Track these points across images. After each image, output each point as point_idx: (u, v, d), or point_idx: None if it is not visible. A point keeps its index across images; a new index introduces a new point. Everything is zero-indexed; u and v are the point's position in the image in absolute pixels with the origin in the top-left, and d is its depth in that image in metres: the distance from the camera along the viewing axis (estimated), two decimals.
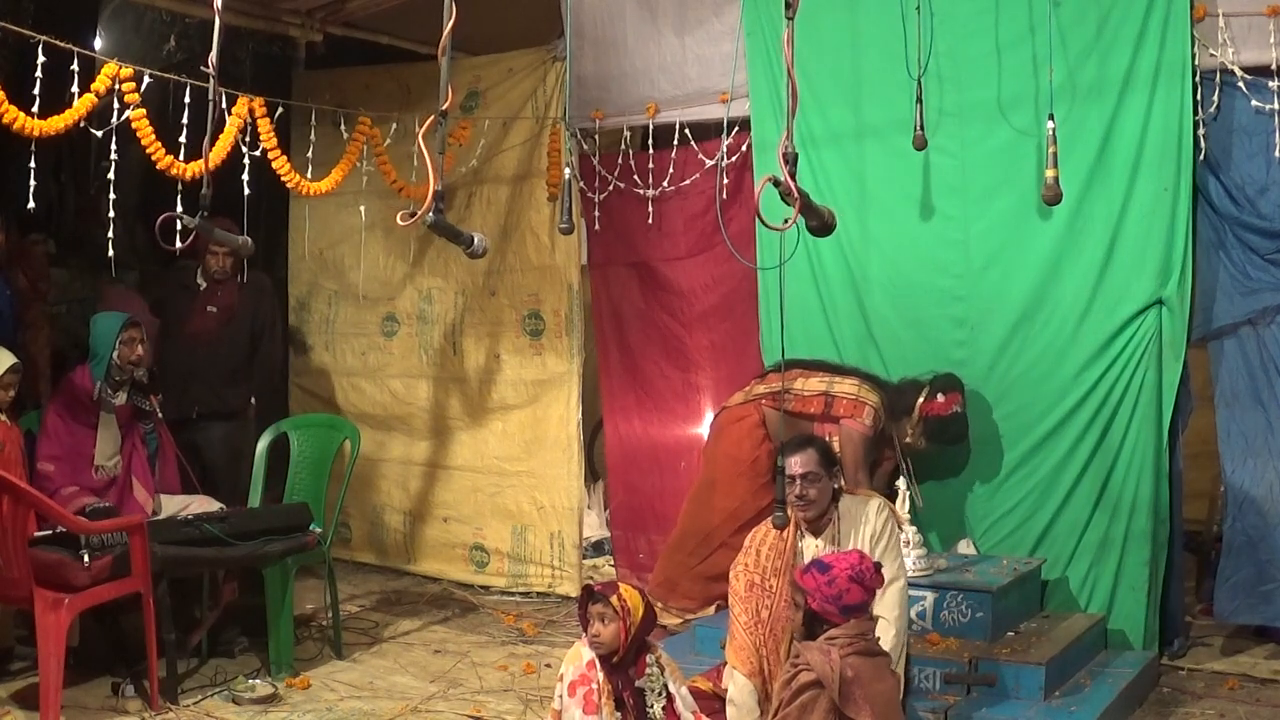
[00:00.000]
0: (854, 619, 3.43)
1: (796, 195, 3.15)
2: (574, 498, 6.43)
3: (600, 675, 3.57)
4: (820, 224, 3.37)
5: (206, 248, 5.72)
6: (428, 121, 3.35)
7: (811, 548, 3.99)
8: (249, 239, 4.33)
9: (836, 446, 5.11)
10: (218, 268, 5.91)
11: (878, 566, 3.52)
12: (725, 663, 4.04)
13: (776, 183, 3.19)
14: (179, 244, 4.20)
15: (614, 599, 3.55)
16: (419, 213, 3.30)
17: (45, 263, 6.41)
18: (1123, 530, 5.04)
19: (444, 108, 3.29)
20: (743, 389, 5.55)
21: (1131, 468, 5.03)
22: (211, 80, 3.89)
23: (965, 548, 5.32)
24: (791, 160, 3.19)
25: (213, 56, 3.88)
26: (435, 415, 6.93)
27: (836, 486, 4.06)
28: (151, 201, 5.74)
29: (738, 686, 3.88)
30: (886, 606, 3.97)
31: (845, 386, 5.21)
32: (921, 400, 5.19)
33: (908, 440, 5.24)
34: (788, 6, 3.23)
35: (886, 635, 3.90)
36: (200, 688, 4.88)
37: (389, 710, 4.67)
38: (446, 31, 3.26)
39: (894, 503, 4.86)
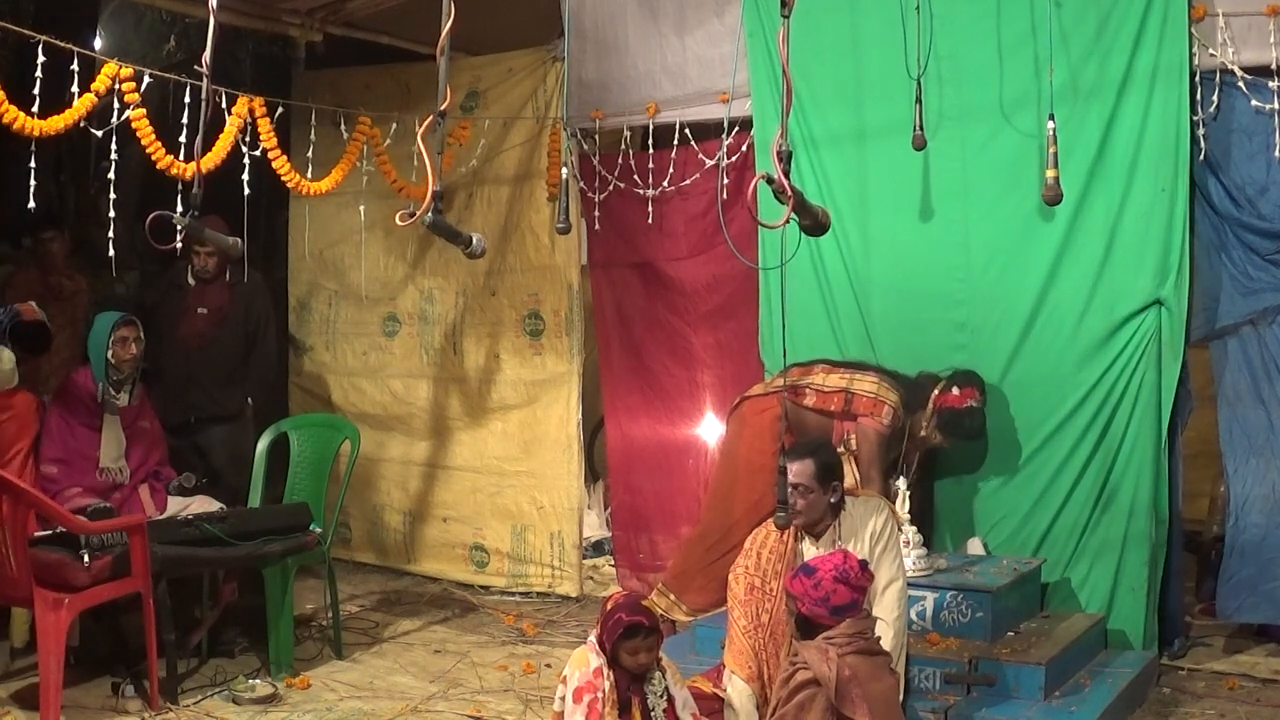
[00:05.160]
0: (848, 618, 3.43)
1: (789, 193, 3.15)
2: (574, 498, 6.43)
3: (607, 684, 3.54)
4: (814, 222, 3.36)
5: (191, 247, 5.71)
6: (426, 121, 3.35)
7: (811, 551, 3.99)
8: (238, 240, 4.32)
9: (854, 444, 5.12)
10: (201, 267, 5.91)
11: (863, 564, 3.52)
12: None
13: (770, 180, 3.19)
14: (172, 244, 4.19)
15: (660, 627, 3.61)
16: (418, 213, 3.30)
17: (63, 260, 6.40)
18: (1122, 530, 5.04)
19: (443, 108, 3.29)
20: (763, 381, 5.55)
21: (1130, 468, 5.03)
22: (205, 81, 3.89)
23: (975, 547, 5.30)
24: (785, 158, 3.19)
25: (206, 56, 3.87)
26: (435, 415, 6.93)
27: (833, 500, 4.04)
28: (151, 201, 5.74)
29: (736, 691, 3.87)
30: (885, 608, 3.98)
31: (865, 385, 5.19)
32: (936, 393, 5.17)
33: (923, 434, 5.21)
34: (783, 5, 3.23)
35: (885, 636, 3.90)
36: (200, 688, 4.88)
37: (389, 710, 4.67)
38: (445, 31, 3.26)
39: (894, 502, 4.87)
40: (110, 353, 5.15)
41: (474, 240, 3.58)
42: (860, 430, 5.14)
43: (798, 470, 3.95)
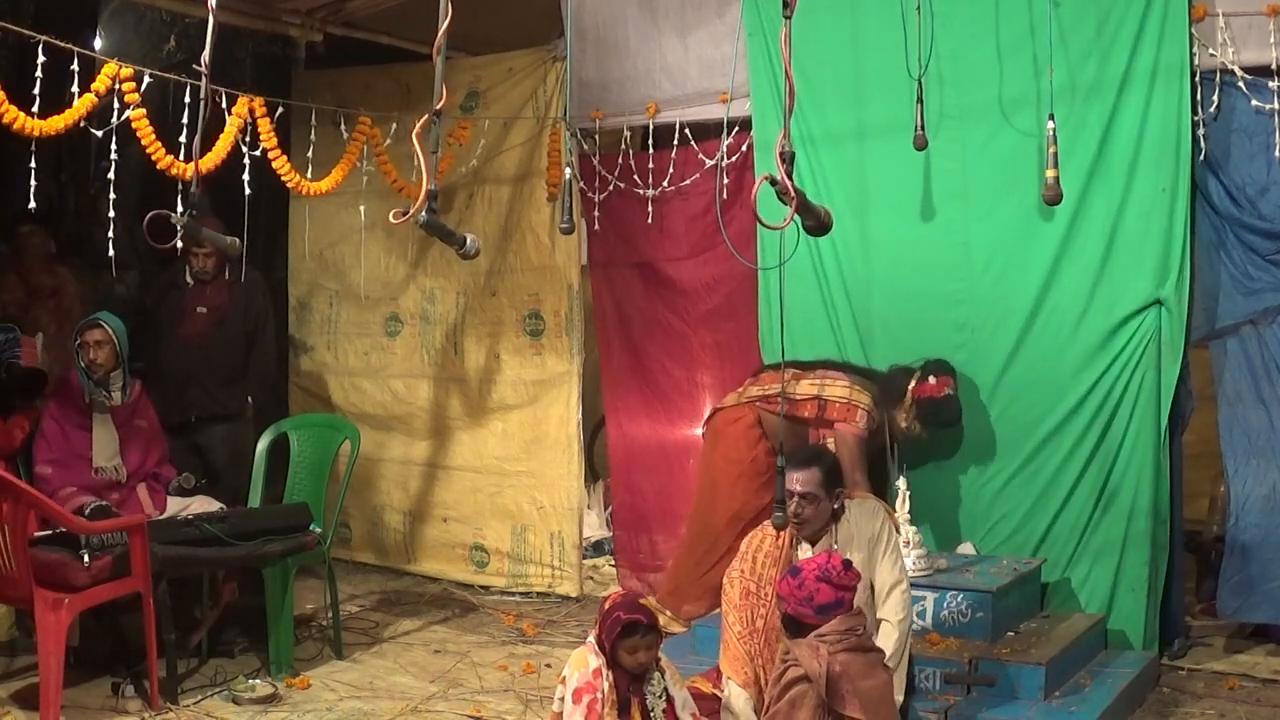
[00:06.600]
0: (837, 616, 3.44)
1: (793, 194, 3.15)
2: (574, 498, 6.43)
3: (606, 685, 3.54)
4: (816, 223, 3.36)
5: (190, 247, 5.70)
6: (421, 120, 3.35)
7: (808, 555, 3.98)
8: (236, 240, 4.31)
9: (834, 449, 5.13)
10: (200, 268, 5.92)
11: (846, 564, 3.52)
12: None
13: (773, 181, 3.19)
14: (171, 243, 4.18)
15: (659, 625, 3.59)
16: (411, 211, 3.30)
17: (44, 256, 6.35)
18: (1122, 531, 5.04)
19: (438, 107, 3.29)
20: (736, 391, 5.56)
21: (1131, 468, 5.03)
22: (204, 80, 3.88)
23: (967, 550, 5.31)
24: (788, 159, 3.19)
25: (205, 56, 3.86)
26: (435, 415, 6.93)
27: (836, 506, 4.04)
28: (152, 201, 5.74)
29: (734, 694, 3.86)
30: (890, 610, 3.98)
31: (836, 390, 5.19)
32: (913, 384, 5.19)
33: (902, 425, 5.23)
34: (785, 5, 3.23)
35: (889, 638, 3.91)
36: (200, 688, 4.88)
37: (389, 710, 4.67)
38: (442, 31, 3.26)
39: (894, 503, 4.87)
40: (79, 358, 5.16)
41: (467, 241, 3.58)
42: (839, 436, 5.15)
43: (804, 479, 3.93)
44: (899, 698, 3.90)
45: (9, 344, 5.76)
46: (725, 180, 5.83)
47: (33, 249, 6.27)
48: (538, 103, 6.46)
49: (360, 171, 6.01)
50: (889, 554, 4.05)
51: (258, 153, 5.16)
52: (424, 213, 3.32)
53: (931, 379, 5.17)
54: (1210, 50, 4.81)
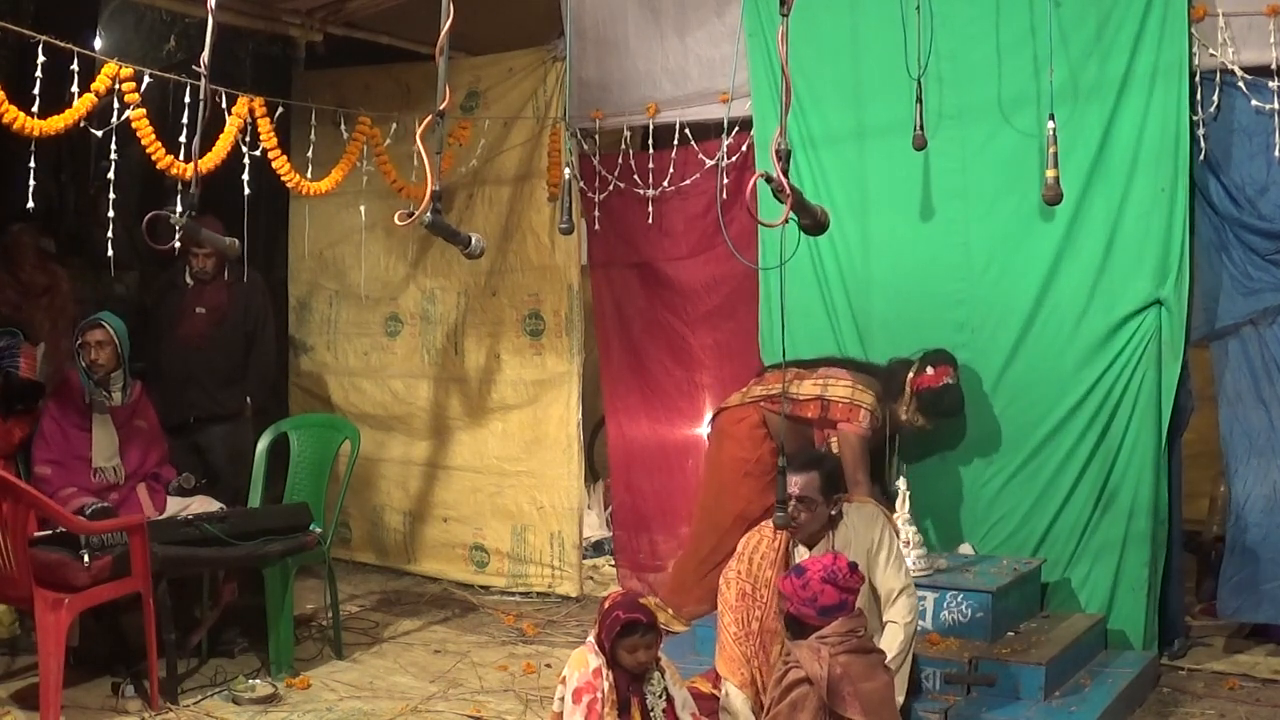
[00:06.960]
0: (840, 618, 3.43)
1: (788, 192, 3.15)
2: (574, 498, 6.43)
3: (606, 684, 3.54)
4: (813, 222, 3.37)
5: (189, 248, 5.70)
6: (425, 121, 3.35)
7: (805, 558, 3.98)
8: (235, 240, 4.31)
9: (836, 448, 5.13)
10: (200, 268, 5.91)
11: (852, 566, 3.52)
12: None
13: (769, 179, 3.19)
14: (170, 243, 4.18)
15: (659, 624, 3.59)
16: (416, 213, 3.31)
17: (36, 255, 6.33)
18: (1122, 531, 5.04)
19: (441, 107, 3.30)
20: (740, 390, 5.56)
21: (1131, 468, 5.02)
22: (203, 80, 3.88)
23: (966, 551, 5.31)
24: (784, 157, 3.19)
25: (205, 56, 3.86)
26: (435, 415, 6.93)
27: (834, 513, 4.04)
28: (152, 201, 5.74)
29: (732, 694, 3.87)
30: (896, 612, 4.00)
31: (839, 390, 5.19)
32: (911, 375, 5.19)
33: (904, 418, 5.23)
34: (782, 4, 3.23)
35: (894, 639, 3.92)
36: (200, 688, 4.88)
37: (389, 710, 4.67)
38: (444, 32, 3.27)
39: (895, 503, 4.87)
40: (80, 357, 5.16)
41: (473, 240, 3.59)
42: (841, 436, 5.15)
43: (803, 483, 3.93)
44: (900, 699, 3.91)
45: (9, 350, 5.75)
46: (725, 180, 5.83)
47: (24, 247, 6.25)
48: (538, 103, 6.46)
49: (360, 171, 6.00)
50: (893, 560, 4.05)
51: (258, 153, 5.16)
52: (429, 213, 3.33)
53: (929, 369, 5.17)
54: (1210, 50, 4.80)
